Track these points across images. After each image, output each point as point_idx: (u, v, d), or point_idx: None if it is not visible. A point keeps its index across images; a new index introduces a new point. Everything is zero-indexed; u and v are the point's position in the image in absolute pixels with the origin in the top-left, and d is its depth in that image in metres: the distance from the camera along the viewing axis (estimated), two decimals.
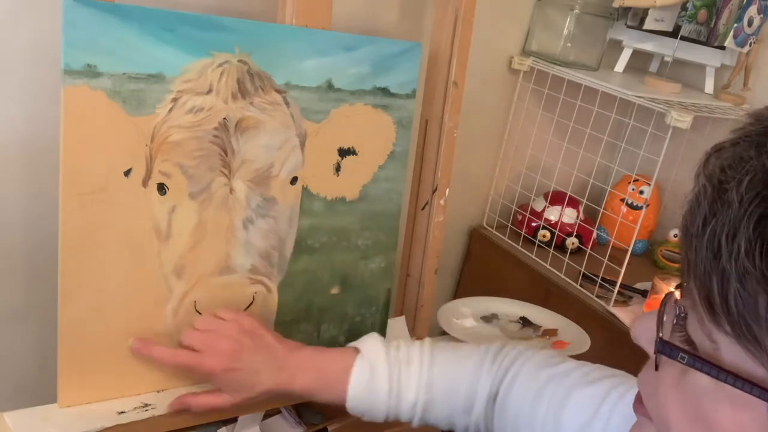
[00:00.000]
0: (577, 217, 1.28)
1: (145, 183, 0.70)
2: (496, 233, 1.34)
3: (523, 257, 1.26)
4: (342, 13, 0.85)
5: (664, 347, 0.39)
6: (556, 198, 1.29)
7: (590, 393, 0.62)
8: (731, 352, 0.35)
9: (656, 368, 0.40)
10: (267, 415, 0.88)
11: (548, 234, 1.27)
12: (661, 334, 0.39)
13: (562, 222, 1.28)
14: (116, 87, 0.66)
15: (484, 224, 1.37)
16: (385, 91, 0.83)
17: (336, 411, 0.93)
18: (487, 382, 0.70)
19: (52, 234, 0.68)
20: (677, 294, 0.40)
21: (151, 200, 0.71)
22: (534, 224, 1.29)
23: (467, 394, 0.70)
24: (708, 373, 0.36)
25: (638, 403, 0.44)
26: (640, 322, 0.42)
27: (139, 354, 0.73)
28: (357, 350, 0.73)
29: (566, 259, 1.19)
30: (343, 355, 0.72)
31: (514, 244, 1.29)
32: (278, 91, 0.76)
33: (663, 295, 0.40)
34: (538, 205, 1.31)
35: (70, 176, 0.66)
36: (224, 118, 0.72)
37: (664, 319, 0.40)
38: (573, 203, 1.28)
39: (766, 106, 0.38)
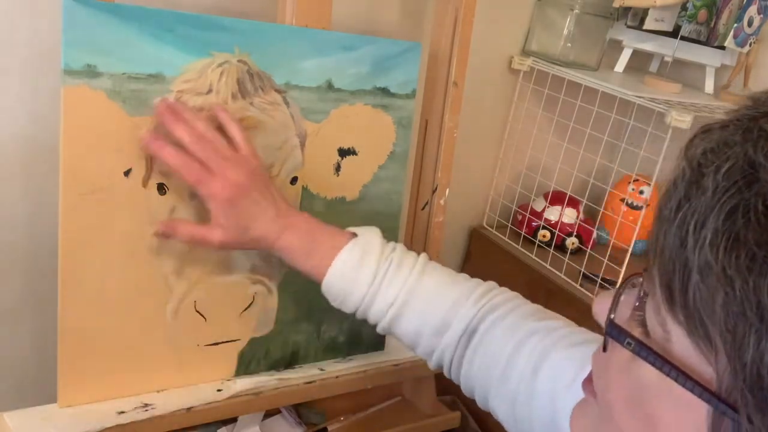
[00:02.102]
0: (577, 217, 1.28)
1: (145, 183, 0.70)
2: (496, 233, 1.34)
3: (523, 257, 1.26)
4: (342, 13, 0.84)
5: (613, 330, 0.37)
6: (556, 198, 1.29)
7: (569, 355, 0.59)
8: (682, 346, 0.34)
9: (604, 349, 0.39)
10: (267, 415, 0.88)
11: (548, 234, 1.27)
12: (613, 316, 0.38)
13: (562, 222, 1.28)
14: (116, 87, 0.67)
15: (484, 224, 1.37)
16: (385, 91, 0.83)
17: (336, 411, 0.93)
18: (468, 313, 0.66)
19: (52, 234, 0.68)
20: (641, 278, 0.38)
21: (151, 200, 0.71)
22: (534, 224, 1.29)
23: (444, 316, 0.67)
24: (652, 364, 0.35)
25: (588, 381, 0.43)
26: (600, 299, 0.40)
27: (147, 148, 0.67)
28: (354, 234, 0.70)
29: (566, 259, 1.19)
30: (339, 233, 0.70)
31: (514, 244, 1.29)
32: (278, 91, 0.76)
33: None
34: (538, 205, 1.31)
35: (70, 176, 0.66)
36: None
37: (621, 299, 0.39)
38: (573, 203, 1.28)
39: (766, 90, 0.35)
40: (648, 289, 0.37)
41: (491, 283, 0.71)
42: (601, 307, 0.40)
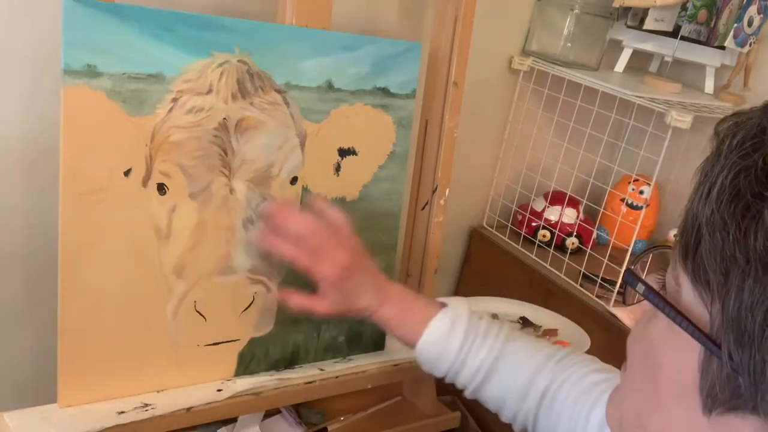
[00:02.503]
0: (577, 217, 1.28)
1: (145, 183, 0.70)
2: (496, 233, 1.34)
3: (523, 257, 1.26)
4: (342, 13, 0.84)
5: (630, 277, 0.43)
6: (556, 198, 1.29)
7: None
8: (688, 296, 0.38)
9: (624, 302, 0.44)
10: (267, 415, 0.88)
11: (548, 234, 1.27)
12: (632, 267, 0.42)
13: (562, 222, 1.28)
14: (116, 87, 0.67)
15: (484, 224, 1.37)
16: (385, 91, 0.83)
17: (336, 411, 0.93)
18: (546, 376, 0.71)
19: (52, 234, 0.68)
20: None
21: (151, 200, 0.71)
22: (534, 224, 1.29)
23: (527, 381, 0.71)
24: (655, 304, 0.40)
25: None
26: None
27: (262, 244, 0.75)
28: (443, 304, 0.76)
29: (566, 259, 1.19)
30: (430, 303, 0.77)
31: (514, 244, 1.29)
32: (278, 91, 0.76)
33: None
34: (538, 205, 1.31)
35: (70, 176, 0.66)
36: (224, 118, 0.72)
37: (646, 259, 0.44)
38: (573, 203, 1.28)
39: None
40: (671, 255, 0.42)
41: (567, 350, 0.76)
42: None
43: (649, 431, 0.43)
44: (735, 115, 0.39)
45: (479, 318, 0.75)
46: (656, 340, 0.41)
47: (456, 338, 0.72)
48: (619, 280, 1.11)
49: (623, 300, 0.46)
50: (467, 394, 0.75)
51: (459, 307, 0.75)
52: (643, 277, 0.43)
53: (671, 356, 0.40)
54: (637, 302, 0.46)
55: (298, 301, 0.76)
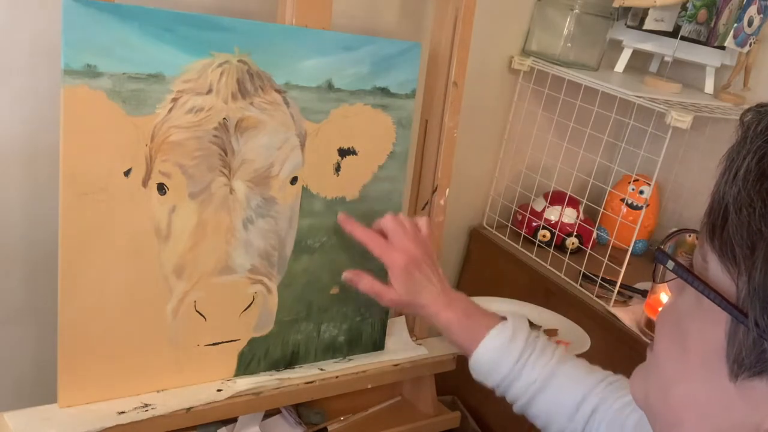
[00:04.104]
0: (577, 217, 1.28)
1: (145, 183, 0.70)
2: (496, 233, 1.34)
3: (523, 257, 1.26)
4: (342, 13, 0.85)
5: (660, 255, 0.45)
6: (556, 198, 1.29)
7: None
8: (716, 271, 0.41)
9: (654, 279, 0.47)
10: (267, 415, 0.88)
11: (548, 234, 1.27)
12: (663, 247, 0.46)
13: (562, 222, 1.28)
14: (116, 87, 0.67)
15: (484, 224, 1.37)
16: (384, 91, 0.83)
17: (336, 411, 0.93)
18: (596, 397, 0.72)
19: (52, 234, 0.68)
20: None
21: (151, 200, 0.71)
22: (534, 224, 1.29)
23: (577, 401, 0.73)
24: (685, 279, 0.42)
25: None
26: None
27: (343, 224, 0.81)
28: (504, 318, 0.78)
29: (566, 259, 1.19)
30: (491, 315, 0.79)
31: (514, 244, 1.29)
32: (278, 91, 0.76)
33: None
34: (538, 205, 1.31)
35: (70, 176, 0.66)
36: (224, 118, 0.72)
37: (673, 241, 0.49)
38: (573, 203, 1.28)
39: None
40: (699, 237, 0.44)
41: (621, 375, 0.77)
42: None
43: (675, 400, 0.45)
44: (759, 106, 0.42)
45: (537, 336, 0.77)
46: (684, 313, 0.44)
47: (515, 349, 0.74)
48: (619, 281, 1.11)
49: (653, 278, 0.47)
50: (516, 407, 0.76)
51: (520, 321, 0.77)
52: (664, 247, 0.48)
53: (699, 327, 0.43)
54: (667, 281, 0.47)
55: (367, 283, 0.80)
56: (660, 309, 0.50)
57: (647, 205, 1.26)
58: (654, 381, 0.48)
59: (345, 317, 0.88)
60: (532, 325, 1.01)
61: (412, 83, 0.85)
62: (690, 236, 1.40)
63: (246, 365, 0.82)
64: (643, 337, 1.04)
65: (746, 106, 1.20)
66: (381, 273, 0.79)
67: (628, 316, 1.09)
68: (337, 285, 0.86)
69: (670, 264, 0.44)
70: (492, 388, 0.77)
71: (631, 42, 1.24)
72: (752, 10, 1.11)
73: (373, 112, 0.83)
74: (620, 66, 1.26)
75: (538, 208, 1.30)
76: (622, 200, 1.31)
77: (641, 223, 1.16)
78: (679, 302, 0.45)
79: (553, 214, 1.28)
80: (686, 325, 0.44)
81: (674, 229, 1.15)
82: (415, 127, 0.91)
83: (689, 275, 0.42)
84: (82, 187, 0.67)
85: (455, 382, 1.31)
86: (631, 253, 1.12)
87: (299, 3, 0.77)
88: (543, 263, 1.22)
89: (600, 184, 1.23)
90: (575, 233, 1.27)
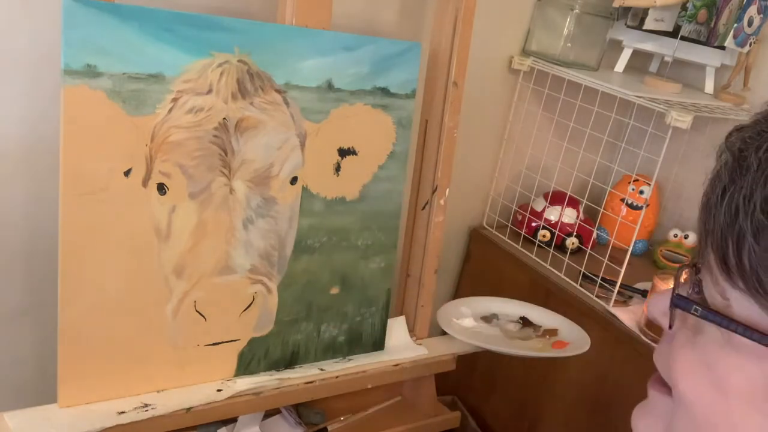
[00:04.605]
0: (577, 217, 1.28)
1: (145, 183, 0.70)
2: (496, 233, 1.34)
3: (523, 257, 1.26)
4: (342, 13, 0.85)
5: (680, 300, 0.41)
6: (556, 198, 1.29)
7: None
8: (743, 307, 0.38)
9: (670, 326, 0.43)
10: (267, 415, 0.88)
11: (548, 234, 1.27)
12: (677, 292, 0.42)
13: (562, 222, 1.28)
14: (116, 87, 0.67)
15: (484, 224, 1.37)
16: (384, 91, 0.83)
17: (336, 411, 0.93)
18: None
19: (52, 234, 0.68)
20: (690, 267, 0.43)
21: (151, 200, 0.71)
22: (534, 224, 1.29)
23: None
24: (719, 324, 0.39)
25: (654, 381, 0.46)
26: (655, 299, 0.45)
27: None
28: None
29: (566, 259, 1.19)
30: None
31: (514, 244, 1.29)
32: (278, 91, 0.76)
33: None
34: (538, 205, 1.31)
35: (70, 176, 0.66)
36: (224, 118, 0.72)
37: (681, 280, 0.43)
38: (573, 203, 1.28)
39: None
40: (704, 270, 0.41)
41: None
42: (655, 305, 0.45)
43: None
44: (739, 130, 0.39)
45: None
46: (714, 353, 0.40)
47: None
48: (619, 281, 1.11)
49: (669, 325, 0.44)
50: None
51: None
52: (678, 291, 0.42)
53: (738, 366, 0.39)
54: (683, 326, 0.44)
55: None
56: (659, 348, 0.46)
57: (647, 205, 1.26)
58: (684, 428, 0.43)
59: (345, 317, 0.88)
60: (532, 325, 1.02)
61: (412, 83, 0.85)
62: (676, 236, 1.39)
63: (246, 365, 0.82)
64: (643, 337, 1.04)
65: (746, 106, 1.20)
66: (381, 273, 0.79)
67: (628, 316, 1.09)
68: (337, 285, 0.86)
69: (697, 309, 0.40)
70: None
71: (631, 42, 1.24)
72: (752, 10, 1.11)
73: (373, 112, 0.83)
74: (620, 66, 1.26)
75: (538, 208, 1.30)
76: (622, 200, 1.31)
77: (641, 223, 1.16)
78: (703, 344, 0.41)
79: (553, 214, 1.28)
80: (720, 367, 0.40)
81: (678, 265, 1.12)
82: (415, 127, 0.91)
83: (723, 319, 0.39)
84: (83, 187, 0.67)
85: (455, 382, 1.31)
86: (631, 253, 1.12)
87: (299, 3, 0.77)
88: (543, 263, 1.22)
89: (600, 184, 1.23)
90: (575, 233, 1.27)
